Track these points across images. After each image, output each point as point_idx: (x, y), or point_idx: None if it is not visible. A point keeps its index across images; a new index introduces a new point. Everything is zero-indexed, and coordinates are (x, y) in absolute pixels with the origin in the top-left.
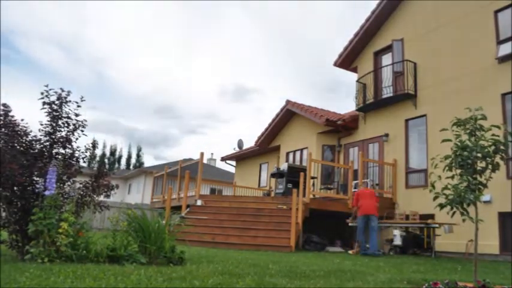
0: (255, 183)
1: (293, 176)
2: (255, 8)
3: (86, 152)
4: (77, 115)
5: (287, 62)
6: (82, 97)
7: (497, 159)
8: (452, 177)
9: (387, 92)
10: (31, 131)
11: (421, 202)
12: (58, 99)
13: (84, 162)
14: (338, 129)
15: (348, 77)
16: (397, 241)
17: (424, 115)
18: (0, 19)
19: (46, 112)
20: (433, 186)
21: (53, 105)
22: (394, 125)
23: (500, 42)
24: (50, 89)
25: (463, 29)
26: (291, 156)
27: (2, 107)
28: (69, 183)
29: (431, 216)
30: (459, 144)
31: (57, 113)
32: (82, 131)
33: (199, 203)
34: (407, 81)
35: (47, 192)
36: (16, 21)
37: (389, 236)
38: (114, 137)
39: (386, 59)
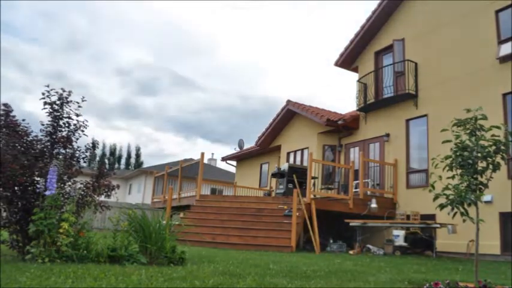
0: (256, 183)
1: (294, 176)
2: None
3: (87, 152)
4: (77, 115)
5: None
6: (83, 97)
7: (498, 159)
8: (453, 177)
9: (388, 92)
10: (32, 131)
11: (422, 202)
12: (59, 99)
13: (85, 162)
14: (339, 129)
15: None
16: (400, 241)
17: (425, 115)
18: (0, 19)
19: (47, 112)
20: (433, 187)
21: (54, 106)
22: (395, 125)
23: (501, 42)
24: (51, 89)
25: (464, 29)
26: (291, 156)
27: (2, 107)
28: (69, 183)
29: (433, 217)
30: (459, 144)
31: (58, 113)
32: (83, 131)
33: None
34: (408, 81)
35: (47, 192)
36: None
37: (389, 236)
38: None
39: (387, 59)
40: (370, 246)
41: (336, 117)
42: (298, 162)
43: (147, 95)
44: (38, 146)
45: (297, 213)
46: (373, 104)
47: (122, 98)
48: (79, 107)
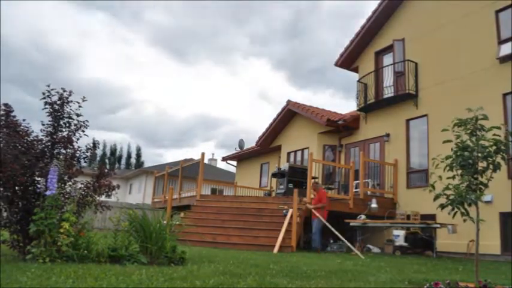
0: (256, 183)
1: (294, 176)
2: None
3: (87, 152)
4: (78, 115)
5: None
6: (84, 97)
7: (498, 159)
8: (453, 177)
9: (388, 92)
10: (32, 131)
11: (422, 202)
12: (60, 99)
13: (85, 162)
14: (339, 129)
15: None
16: (401, 241)
17: (425, 115)
18: (0, 20)
19: (47, 112)
20: (433, 187)
21: (55, 106)
22: (395, 125)
23: (501, 42)
24: (52, 89)
25: (464, 29)
26: (292, 156)
27: (3, 107)
28: (70, 183)
29: (433, 217)
30: (460, 144)
31: (59, 113)
32: (83, 131)
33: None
34: (409, 81)
35: (48, 192)
36: None
37: (390, 236)
38: None
39: (388, 59)
40: (371, 246)
41: (336, 117)
42: (298, 162)
43: None
44: (39, 146)
45: (298, 213)
46: (373, 104)
47: None
48: (79, 106)
